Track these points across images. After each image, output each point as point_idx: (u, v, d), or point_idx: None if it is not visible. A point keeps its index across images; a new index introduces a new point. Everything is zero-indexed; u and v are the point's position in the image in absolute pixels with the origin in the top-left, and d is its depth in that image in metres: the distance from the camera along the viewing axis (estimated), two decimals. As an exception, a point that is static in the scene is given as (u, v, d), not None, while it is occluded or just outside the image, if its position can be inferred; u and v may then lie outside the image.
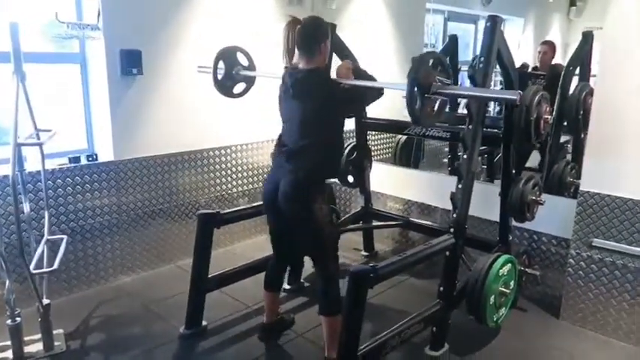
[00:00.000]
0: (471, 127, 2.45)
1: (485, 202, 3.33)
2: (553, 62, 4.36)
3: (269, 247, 2.67)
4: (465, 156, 2.48)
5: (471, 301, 2.58)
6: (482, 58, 2.43)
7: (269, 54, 3.92)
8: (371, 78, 2.38)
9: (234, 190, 3.98)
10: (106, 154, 3.26)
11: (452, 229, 2.51)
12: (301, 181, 2.29)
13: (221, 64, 2.84)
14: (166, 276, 3.51)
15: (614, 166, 2.67)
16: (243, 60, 2.92)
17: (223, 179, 3.89)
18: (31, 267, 2.35)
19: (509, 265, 2.69)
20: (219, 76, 2.83)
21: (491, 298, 2.58)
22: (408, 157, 4.20)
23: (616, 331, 2.80)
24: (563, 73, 3.45)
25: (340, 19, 4.43)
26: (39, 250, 2.52)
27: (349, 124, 3.69)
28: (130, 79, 3.20)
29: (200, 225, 2.71)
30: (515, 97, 1.81)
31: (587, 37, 3.49)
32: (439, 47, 5.68)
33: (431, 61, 2.04)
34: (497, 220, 3.05)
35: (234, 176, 3.96)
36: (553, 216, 3.05)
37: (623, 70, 2.59)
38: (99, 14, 2.99)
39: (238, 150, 3.94)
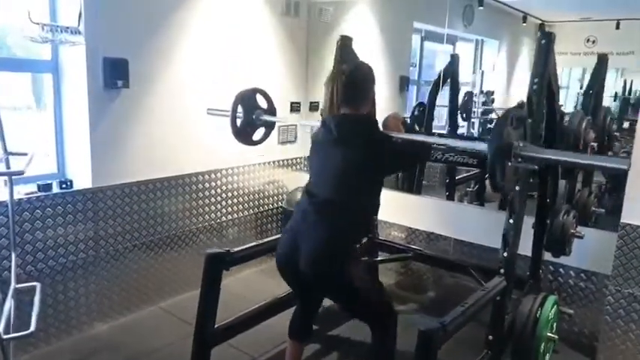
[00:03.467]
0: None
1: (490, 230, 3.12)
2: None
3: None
4: (517, 187, 2.21)
5: (520, 350, 2.29)
6: (535, 80, 2.19)
7: (266, 65, 3.61)
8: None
9: (223, 218, 3.55)
10: (82, 180, 2.75)
11: (502, 270, 2.23)
12: (333, 243, 1.91)
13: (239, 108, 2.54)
14: (149, 321, 3.02)
15: (660, 197, 2.50)
16: (262, 102, 2.62)
17: (212, 207, 3.45)
18: (0, 328, 1.83)
19: (555, 307, 2.44)
20: (238, 122, 2.55)
21: (542, 346, 2.32)
22: (410, 181, 3.93)
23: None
24: (582, 96, 3.30)
25: (333, 33, 4.15)
26: (7, 306, 2.00)
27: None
28: (114, 92, 2.74)
29: (208, 267, 2.29)
30: (625, 167, 1.62)
31: (603, 60, 3.37)
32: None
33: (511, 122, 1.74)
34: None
35: (223, 203, 3.53)
36: (585, 249, 2.84)
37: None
38: (80, 16, 2.52)
39: (229, 174, 3.52)
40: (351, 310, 2.14)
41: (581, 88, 10.53)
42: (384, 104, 4.91)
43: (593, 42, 7.44)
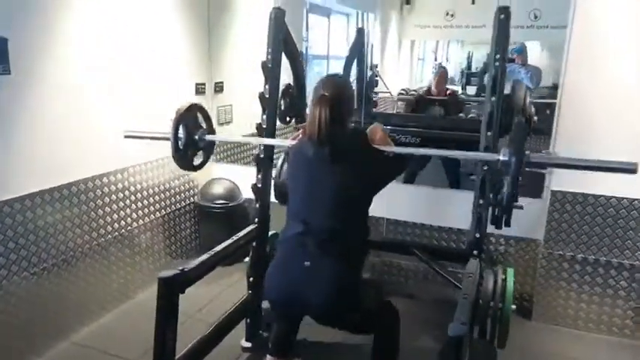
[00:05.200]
0: (486, 141, 2.16)
1: (430, 207, 3.19)
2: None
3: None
4: (485, 167, 2.19)
5: (493, 327, 2.32)
6: (497, 56, 2.16)
7: (166, 44, 3.11)
8: None
9: (134, 224, 3.03)
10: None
11: (475, 252, 2.22)
12: (349, 277, 1.77)
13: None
14: (65, 362, 2.46)
15: (585, 165, 2.70)
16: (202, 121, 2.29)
17: (122, 212, 2.92)
18: None
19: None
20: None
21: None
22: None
23: (587, 324, 2.87)
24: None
25: (232, 7, 3.77)
26: None
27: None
28: (-8, 81, 2.09)
29: (163, 293, 1.87)
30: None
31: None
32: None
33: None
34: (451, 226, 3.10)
35: (133, 207, 3.01)
36: (515, 217, 2.99)
37: (592, 66, 2.60)
38: None
39: (136, 172, 3.00)
40: (361, 329, 1.95)
41: (435, 60, 11.38)
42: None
43: (452, 15, 8.01)
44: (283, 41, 2.60)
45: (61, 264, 2.55)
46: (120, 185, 2.87)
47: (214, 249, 2.21)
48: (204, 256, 2.12)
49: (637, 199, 2.64)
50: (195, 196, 3.54)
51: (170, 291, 1.90)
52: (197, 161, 2.33)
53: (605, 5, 2.54)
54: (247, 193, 3.55)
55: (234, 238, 2.34)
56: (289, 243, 1.81)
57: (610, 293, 2.79)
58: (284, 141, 2.22)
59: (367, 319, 1.85)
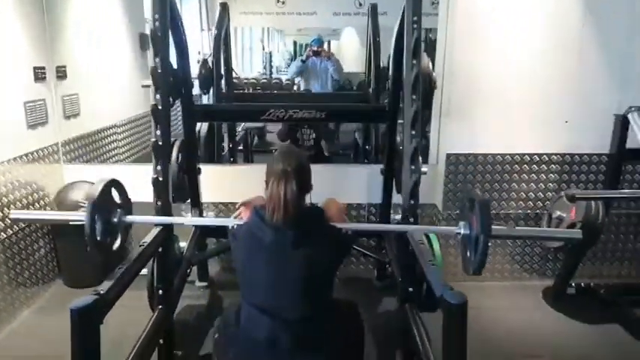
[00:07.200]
0: (414, 105, 2.09)
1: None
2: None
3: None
4: (413, 132, 2.12)
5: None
6: (414, 21, 2.10)
7: None
8: None
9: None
10: None
11: (412, 219, 2.15)
12: None
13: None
14: None
15: (473, 127, 2.87)
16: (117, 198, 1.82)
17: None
18: None
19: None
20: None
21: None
22: (212, 149, 3.35)
23: (485, 274, 3.08)
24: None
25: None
26: None
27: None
28: None
29: (79, 329, 1.40)
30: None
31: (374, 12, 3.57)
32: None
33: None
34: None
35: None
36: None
37: (475, 39, 2.75)
38: None
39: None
40: None
41: (263, 49, 11.31)
42: (128, 67, 4.08)
43: (283, 3, 8.01)
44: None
45: None
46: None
47: (124, 264, 1.75)
48: (118, 274, 1.66)
49: (515, 154, 2.90)
50: (47, 208, 2.85)
51: (88, 324, 1.43)
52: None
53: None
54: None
55: (142, 245, 1.88)
56: (254, 336, 1.58)
57: (499, 243, 3.03)
58: (227, 220, 1.89)
59: None
